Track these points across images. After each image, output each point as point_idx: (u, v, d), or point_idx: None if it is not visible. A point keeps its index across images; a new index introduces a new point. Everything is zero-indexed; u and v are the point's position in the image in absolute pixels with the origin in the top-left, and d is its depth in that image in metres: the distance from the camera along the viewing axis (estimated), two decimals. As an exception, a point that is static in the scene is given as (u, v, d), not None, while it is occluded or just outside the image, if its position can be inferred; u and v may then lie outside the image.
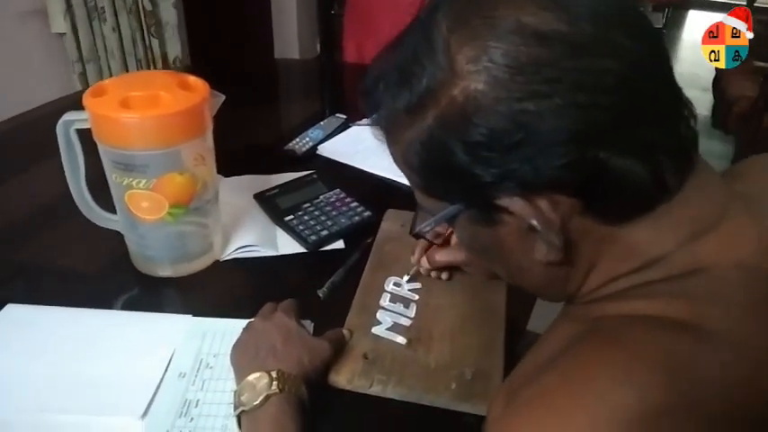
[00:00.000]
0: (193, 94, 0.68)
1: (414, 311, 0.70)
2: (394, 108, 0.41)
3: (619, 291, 0.42)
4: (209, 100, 0.70)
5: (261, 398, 0.53)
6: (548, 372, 0.38)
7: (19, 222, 0.88)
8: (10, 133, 1.11)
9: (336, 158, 1.04)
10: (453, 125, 0.38)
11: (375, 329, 0.66)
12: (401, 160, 0.44)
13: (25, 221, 0.88)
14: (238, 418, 0.55)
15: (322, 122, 1.12)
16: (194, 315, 0.70)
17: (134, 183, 0.68)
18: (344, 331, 0.66)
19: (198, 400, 0.61)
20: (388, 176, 0.99)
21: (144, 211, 0.71)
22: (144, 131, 0.65)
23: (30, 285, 0.77)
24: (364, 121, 1.12)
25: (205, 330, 0.68)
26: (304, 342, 0.61)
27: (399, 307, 0.70)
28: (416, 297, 0.72)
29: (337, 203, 0.89)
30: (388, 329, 0.66)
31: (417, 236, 0.46)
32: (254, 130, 1.15)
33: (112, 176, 0.69)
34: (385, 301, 0.71)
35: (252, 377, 0.56)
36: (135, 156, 0.66)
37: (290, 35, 2.86)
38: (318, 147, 1.06)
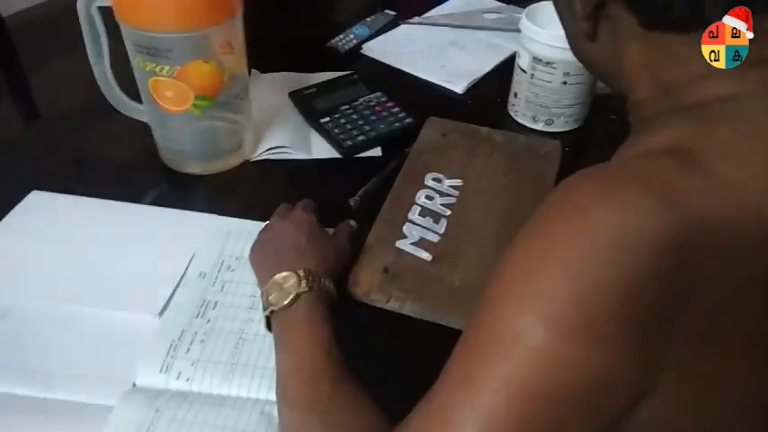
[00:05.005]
0: (221, -26, 0.62)
1: (444, 227, 0.65)
2: None
3: (653, 116, 0.42)
4: (239, -18, 0.64)
5: (290, 297, 0.52)
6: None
7: (52, 111, 0.87)
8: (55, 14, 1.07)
9: (381, 59, 0.96)
10: None
11: (399, 243, 0.62)
12: None
13: (58, 111, 0.87)
14: (267, 319, 0.53)
15: (369, 18, 1.04)
16: (220, 215, 0.68)
17: (157, 69, 0.64)
18: (351, 222, 0.65)
19: (216, 302, 0.59)
20: (436, 81, 0.91)
21: (168, 102, 0.67)
22: (166, 11, 0.61)
23: (56, 173, 0.75)
24: (416, 18, 1.05)
25: (229, 231, 0.66)
26: (328, 240, 0.60)
27: (429, 221, 0.65)
28: (448, 213, 0.67)
29: (377, 108, 0.83)
30: (413, 244, 0.63)
31: None
32: (296, 23, 1.08)
33: (135, 61, 0.66)
34: (414, 214, 0.66)
35: (278, 276, 0.53)
36: (157, 38, 0.62)
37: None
38: (363, 45, 0.99)
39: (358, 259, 0.61)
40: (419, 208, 0.67)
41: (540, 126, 0.82)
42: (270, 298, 0.53)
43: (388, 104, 0.84)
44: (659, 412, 0.38)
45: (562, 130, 0.82)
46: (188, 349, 0.54)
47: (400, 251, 0.62)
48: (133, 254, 0.63)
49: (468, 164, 0.74)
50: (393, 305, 0.57)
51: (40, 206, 0.68)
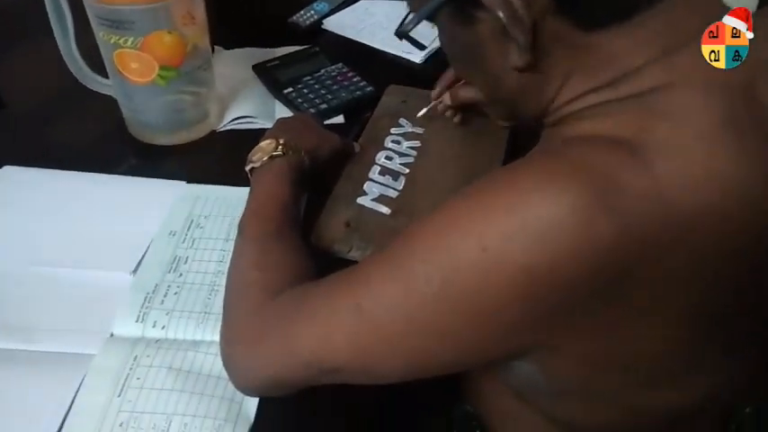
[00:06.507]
0: (179, -55, 0.65)
1: (402, 184, 0.69)
2: None
3: (585, 107, 0.42)
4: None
5: (266, 158, 0.60)
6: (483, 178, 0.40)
7: (22, 96, 0.87)
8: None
9: (342, 33, 0.99)
10: None
11: (360, 200, 0.66)
12: None
13: (27, 95, 0.86)
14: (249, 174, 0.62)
15: (329, -6, 1.06)
16: (189, 182, 0.71)
17: (121, 41, 0.66)
18: (356, 144, 0.73)
19: (187, 257, 0.62)
20: (395, 52, 0.95)
21: (134, 73, 0.70)
22: (128, -17, 0.63)
23: (27, 154, 0.75)
24: (375, -8, 1.08)
25: (197, 195, 0.69)
26: (317, 128, 0.69)
27: (388, 179, 0.69)
28: (407, 171, 0.71)
29: (339, 77, 0.87)
30: (373, 200, 0.66)
31: (401, 34, 0.48)
32: (257, 1, 1.10)
33: (99, 34, 0.68)
34: (374, 173, 0.70)
35: (264, 142, 0.62)
36: (120, 11, 0.64)
37: None
38: (324, 20, 1.02)
39: (321, 215, 0.65)
40: (379, 167, 0.71)
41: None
42: (253, 158, 0.61)
43: (350, 74, 0.87)
44: (557, 370, 0.43)
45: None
46: (162, 301, 0.58)
47: (361, 207, 0.66)
48: (105, 219, 0.66)
49: (427, 126, 0.78)
50: (354, 254, 0.61)
51: (12, 179, 0.70)
